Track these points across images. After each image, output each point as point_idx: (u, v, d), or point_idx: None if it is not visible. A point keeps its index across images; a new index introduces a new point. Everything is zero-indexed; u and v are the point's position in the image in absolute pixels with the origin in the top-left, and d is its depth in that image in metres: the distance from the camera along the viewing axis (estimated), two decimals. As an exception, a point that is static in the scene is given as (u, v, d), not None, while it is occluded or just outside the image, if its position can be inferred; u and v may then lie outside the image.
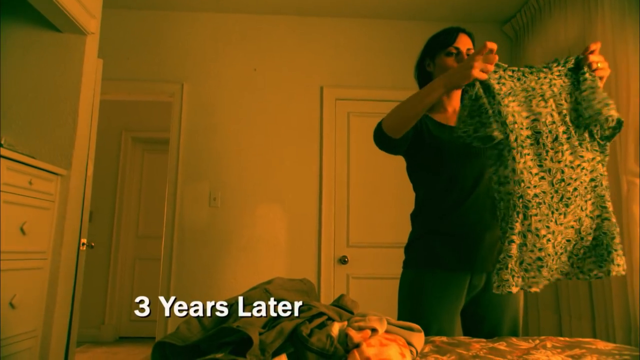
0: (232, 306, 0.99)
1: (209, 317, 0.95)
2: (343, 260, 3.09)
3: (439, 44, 1.51)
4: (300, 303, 0.98)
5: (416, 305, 1.36)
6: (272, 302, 1.00)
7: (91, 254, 4.34)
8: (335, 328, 0.91)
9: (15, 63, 2.23)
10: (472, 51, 1.49)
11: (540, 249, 1.11)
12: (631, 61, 2.17)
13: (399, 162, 3.41)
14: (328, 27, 3.38)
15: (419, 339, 0.99)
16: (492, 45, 1.13)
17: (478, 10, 3.25)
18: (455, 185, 1.39)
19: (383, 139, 1.38)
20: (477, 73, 1.12)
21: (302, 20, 3.38)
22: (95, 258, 4.43)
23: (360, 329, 0.91)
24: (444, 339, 1.15)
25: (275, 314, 0.94)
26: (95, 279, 4.42)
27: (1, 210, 1.70)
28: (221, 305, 0.99)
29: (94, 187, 2.67)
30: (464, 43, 1.48)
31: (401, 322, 1.02)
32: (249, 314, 0.91)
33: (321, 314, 0.94)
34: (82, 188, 2.32)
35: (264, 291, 1.05)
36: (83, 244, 2.40)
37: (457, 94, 1.55)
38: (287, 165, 3.19)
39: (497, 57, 1.14)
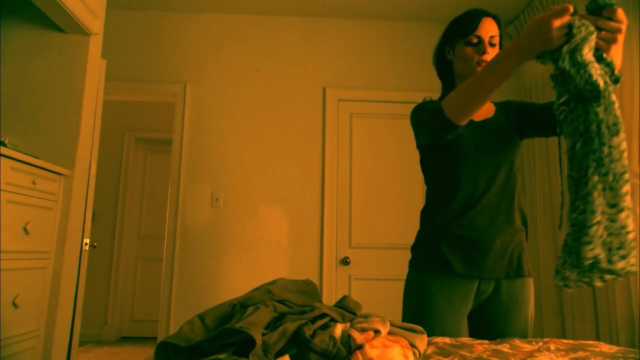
0: (235, 307, 0.99)
1: (211, 317, 0.95)
2: (345, 262, 3.09)
3: (459, 31, 1.38)
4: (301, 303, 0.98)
5: (421, 307, 1.33)
6: (274, 303, 0.99)
7: (94, 253, 4.35)
8: (338, 329, 0.91)
9: (19, 63, 2.24)
10: (496, 39, 1.36)
11: (622, 227, 0.88)
12: (634, 62, 2.16)
13: (401, 163, 3.41)
14: (330, 28, 3.38)
15: (422, 340, 0.99)
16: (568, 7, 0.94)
17: (481, 12, 3.24)
18: (467, 185, 1.33)
19: (444, 126, 1.21)
20: (557, 39, 0.93)
21: (305, 21, 3.38)
22: (98, 258, 4.44)
23: (363, 330, 0.91)
24: (447, 340, 1.15)
25: (278, 315, 0.94)
26: (98, 279, 4.43)
27: (5, 210, 1.71)
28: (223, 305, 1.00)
29: (96, 187, 2.68)
30: (486, 30, 1.35)
31: (404, 324, 1.02)
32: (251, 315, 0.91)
33: (324, 315, 0.94)
34: (85, 188, 2.32)
35: (266, 292, 1.05)
36: (86, 243, 2.41)
37: None
38: (289, 166, 3.19)
39: (570, 7, 0.93)
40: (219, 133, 3.21)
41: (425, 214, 1.44)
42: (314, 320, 0.91)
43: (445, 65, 1.47)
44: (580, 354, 1.02)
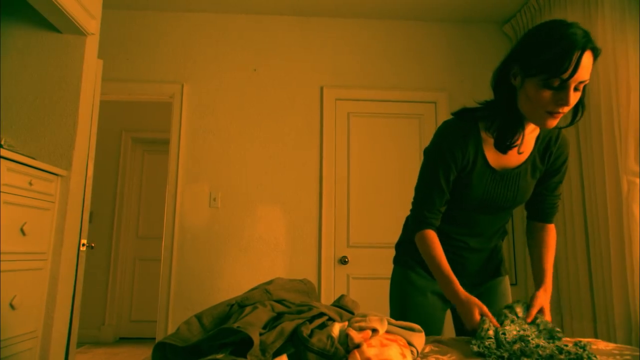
0: (233, 307, 0.99)
1: (209, 317, 0.95)
2: (343, 261, 3.09)
3: (543, 64, 0.99)
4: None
5: (404, 302, 1.40)
6: (272, 303, 0.99)
7: (91, 254, 4.34)
8: (336, 328, 0.91)
9: (16, 64, 2.23)
10: (586, 82, 1.02)
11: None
12: (631, 60, 2.17)
13: (399, 162, 3.41)
14: (328, 27, 3.38)
15: (419, 339, 0.99)
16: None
17: (478, 11, 3.25)
18: (460, 227, 1.34)
19: (411, 230, 1.34)
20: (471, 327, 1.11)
21: (302, 20, 3.38)
22: (96, 259, 4.43)
23: (360, 329, 0.91)
24: (445, 338, 1.15)
25: (275, 315, 0.94)
26: (96, 280, 4.42)
27: (1, 211, 1.70)
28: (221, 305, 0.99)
29: (94, 187, 2.67)
30: (580, 72, 0.98)
31: (402, 322, 1.02)
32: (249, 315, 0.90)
33: (322, 314, 0.94)
34: (82, 189, 2.32)
35: (264, 291, 1.05)
36: (83, 244, 2.40)
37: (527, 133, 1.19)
38: (287, 166, 3.19)
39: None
40: (216, 133, 3.20)
41: (409, 224, 1.45)
42: (311, 319, 0.91)
43: (505, 88, 1.12)
44: (578, 351, 1.02)
